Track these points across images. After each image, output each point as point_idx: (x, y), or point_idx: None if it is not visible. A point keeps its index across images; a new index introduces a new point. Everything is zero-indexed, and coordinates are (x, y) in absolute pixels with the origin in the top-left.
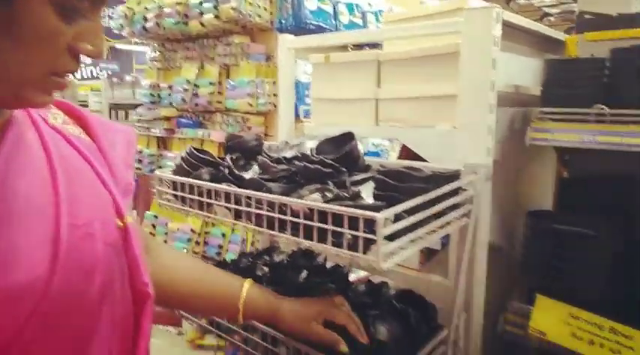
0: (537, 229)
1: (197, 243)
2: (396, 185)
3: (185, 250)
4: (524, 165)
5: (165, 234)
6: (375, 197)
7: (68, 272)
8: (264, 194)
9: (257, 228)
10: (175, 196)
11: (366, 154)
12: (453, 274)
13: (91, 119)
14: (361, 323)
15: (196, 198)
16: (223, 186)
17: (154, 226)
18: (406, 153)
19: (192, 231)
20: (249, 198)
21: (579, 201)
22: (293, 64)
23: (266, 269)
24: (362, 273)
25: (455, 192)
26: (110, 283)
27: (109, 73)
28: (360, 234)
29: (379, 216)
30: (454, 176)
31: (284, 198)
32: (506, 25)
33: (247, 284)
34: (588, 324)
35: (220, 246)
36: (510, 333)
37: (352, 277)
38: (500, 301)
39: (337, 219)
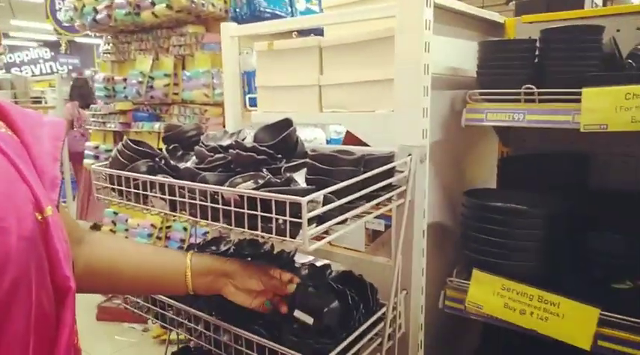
0: (472, 206)
1: (158, 238)
2: (327, 168)
3: None
4: (468, 146)
5: (126, 230)
6: (307, 182)
7: None
8: (196, 183)
9: (191, 218)
10: (113, 189)
11: (328, 142)
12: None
13: (15, 113)
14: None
15: (132, 190)
16: (158, 177)
17: (114, 223)
18: (350, 138)
19: (152, 226)
20: (182, 188)
21: (519, 179)
22: (236, 53)
23: None
24: (311, 257)
25: (388, 173)
26: (23, 278)
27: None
28: (287, 218)
29: (303, 199)
30: (387, 158)
31: (215, 186)
32: (442, 9)
33: (189, 255)
34: (519, 294)
35: (182, 240)
36: (450, 308)
37: (307, 261)
38: (443, 277)
39: (266, 205)
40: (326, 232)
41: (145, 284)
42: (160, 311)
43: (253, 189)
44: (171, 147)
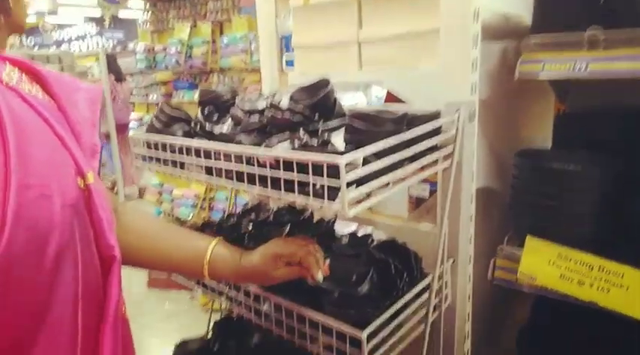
0: (524, 168)
1: (202, 208)
2: (366, 129)
3: (191, 216)
4: (521, 103)
5: (172, 200)
6: (346, 142)
7: (18, 233)
8: (231, 146)
9: (228, 181)
10: (151, 157)
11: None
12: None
13: (50, 77)
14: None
15: (168, 156)
16: (193, 141)
17: (160, 194)
18: (390, 100)
19: (195, 196)
20: (218, 152)
21: (577, 139)
22: (272, 11)
23: (250, 227)
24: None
25: (433, 133)
26: (69, 246)
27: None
28: (324, 180)
29: (341, 160)
30: (433, 116)
31: (249, 149)
32: None
33: (213, 243)
34: (577, 264)
35: (225, 211)
36: (500, 279)
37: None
38: (493, 246)
39: (303, 168)
40: (367, 196)
41: (163, 266)
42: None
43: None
44: (206, 112)
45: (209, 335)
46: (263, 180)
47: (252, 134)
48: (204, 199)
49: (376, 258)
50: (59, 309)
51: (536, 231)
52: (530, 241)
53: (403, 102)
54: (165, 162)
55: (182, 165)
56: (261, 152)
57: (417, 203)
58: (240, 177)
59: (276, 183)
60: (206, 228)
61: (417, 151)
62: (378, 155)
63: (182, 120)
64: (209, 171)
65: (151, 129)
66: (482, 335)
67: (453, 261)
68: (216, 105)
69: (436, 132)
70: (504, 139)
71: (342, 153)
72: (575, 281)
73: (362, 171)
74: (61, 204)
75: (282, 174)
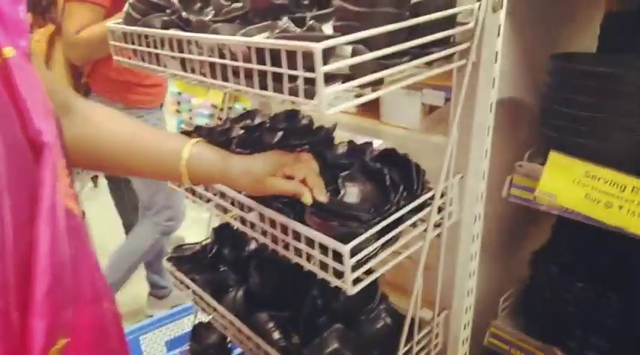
0: (558, 72)
1: (220, 118)
2: (358, 11)
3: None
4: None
5: (190, 110)
6: (335, 29)
7: None
8: (202, 36)
9: (200, 77)
10: (128, 49)
11: None
12: None
13: None
14: (331, 184)
15: (145, 48)
16: (164, 32)
17: (178, 103)
18: None
19: (212, 106)
20: (190, 43)
21: (628, 42)
22: None
23: (241, 131)
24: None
25: (447, 23)
26: None
27: None
28: (299, 72)
29: (317, 46)
30: (446, 3)
31: (219, 37)
32: None
33: (190, 144)
34: (607, 184)
35: None
36: (516, 197)
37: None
38: (511, 162)
39: (279, 59)
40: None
41: (136, 167)
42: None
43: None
44: None
45: (208, 241)
46: (237, 75)
47: (234, 22)
48: (221, 109)
49: (370, 167)
50: None
51: (563, 147)
52: (554, 157)
53: None
54: (142, 54)
55: (158, 58)
56: (232, 41)
57: (430, 112)
58: (213, 71)
59: (251, 79)
60: (197, 131)
61: (423, 43)
62: (371, 44)
63: (161, 8)
64: (184, 65)
65: (129, 19)
66: (491, 257)
67: (462, 177)
68: None
69: (450, 22)
70: (539, 39)
71: (319, 39)
72: (602, 203)
73: (344, 62)
74: None
75: (254, 67)
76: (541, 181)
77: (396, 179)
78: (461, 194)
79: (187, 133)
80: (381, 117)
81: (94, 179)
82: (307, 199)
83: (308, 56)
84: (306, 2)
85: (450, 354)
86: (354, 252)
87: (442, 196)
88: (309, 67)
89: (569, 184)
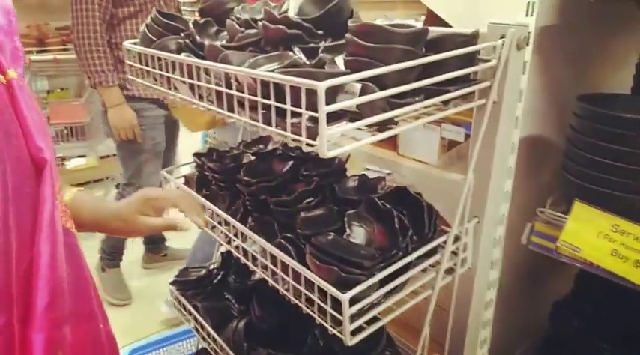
0: (586, 115)
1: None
2: (370, 47)
3: None
4: (597, 36)
5: None
6: (345, 64)
7: None
8: (210, 64)
9: (208, 104)
10: (143, 71)
11: None
12: None
13: None
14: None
15: (157, 71)
16: (174, 56)
17: None
18: (431, 19)
19: None
20: (199, 69)
21: None
22: None
23: (252, 158)
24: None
25: (466, 61)
26: None
27: None
28: (302, 110)
29: (321, 84)
30: (467, 39)
31: (228, 67)
32: None
33: (71, 191)
34: (636, 240)
35: None
36: (537, 246)
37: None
38: (532, 206)
39: (283, 92)
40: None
41: None
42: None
43: (270, 71)
44: (202, 22)
45: (214, 265)
46: (243, 106)
47: (246, 49)
48: None
49: (379, 207)
50: None
51: (588, 196)
52: (579, 207)
53: (449, 26)
54: (155, 76)
55: (169, 82)
56: (238, 71)
57: (450, 147)
58: (221, 100)
59: (256, 111)
60: (209, 155)
61: (440, 81)
62: (381, 83)
63: (178, 31)
64: (194, 91)
65: (145, 40)
66: (509, 306)
67: (478, 221)
68: (218, 15)
69: (470, 60)
70: (568, 79)
71: (325, 76)
72: (630, 261)
73: (348, 102)
74: None
75: (258, 99)
76: (564, 232)
77: (405, 221)
78: (476, 239)
79: (199, 156)
80: (399, 149)
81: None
82: (183, 227)
83: (311, 94)
84: (320, 32)
85: None
86: (354, 301)
87: (456, 241)
88: (314, 104)
89: (594, 238)
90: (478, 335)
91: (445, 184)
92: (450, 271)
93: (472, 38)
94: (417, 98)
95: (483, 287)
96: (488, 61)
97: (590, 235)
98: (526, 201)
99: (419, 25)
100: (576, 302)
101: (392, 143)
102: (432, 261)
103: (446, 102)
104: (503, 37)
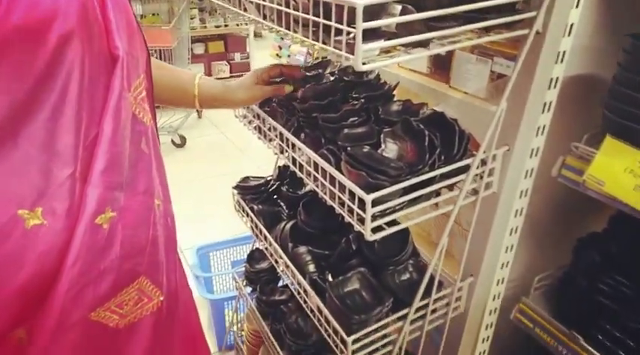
0: (633, 51)
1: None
2: None
3: None
4: None
5: (288, 56)
6: None
7: (16, 12)
8: None
9: (270, 23)
10: None
11: None
12: None
13: None
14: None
15: None
16: None
17: (280, 48)
18: None
19: (308, 53)
20: None
21: None
22: None
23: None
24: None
25: None
26: (74, 35)
27: None
28: (344, 26)
29: (359, 2)
30: None
31: None
32: None
33: (198, 75)
34: None
35: None
36: (566, 178)
37: None
38: (568, 143)
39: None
40: (389, 51)
41: (157, 97)
42: (259, 125)
43: None
44: None
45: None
46: (298, 25)
47: None
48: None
49: (412, 127)
50: (61, 91)
51: (623, 133)
52: (610, 142)
53: None
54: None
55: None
56: None
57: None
58: (280, 19)
59: (308, 29)
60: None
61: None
62: (420, 6)
63: None
64: (259, 10)
65: None
66: (536, 235)
67: (508, 149)
68: None
69: None
70: (630, 19)
71: None
72: None
73: (385, 21)
74: None
75: (309, 17)
76: (592, 166)
77: (436, 141)
78: (504, 166)
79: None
80: (451, 81)
81: (199, 111)
82: (287, 88)
83: (352, 12)
84: None
85: (471, 321)
86: (377, 202)
87: (483, 165)
88: (351, 22)
89: (620, 172)
90: (499, 258)
91: (484, 114)
92: (474, 193)
93: None
94: (454, 23)
95: (507, 213)
96: None
97: (616, 170)
98: (564, 136)
99: None
100: (602, 240)
101: (445, 76)
102: (456, 179)
103: (488, 30)
104: None
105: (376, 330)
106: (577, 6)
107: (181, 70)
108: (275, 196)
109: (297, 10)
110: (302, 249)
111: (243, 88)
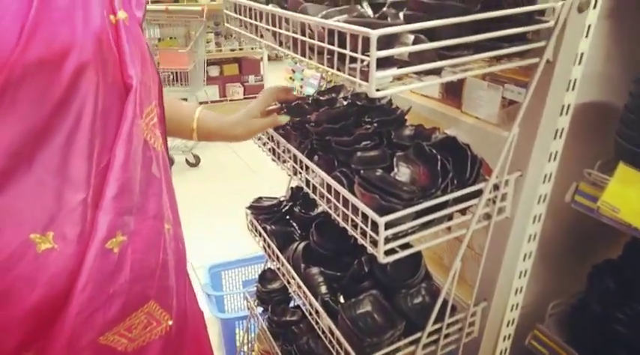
0: None
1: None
2: (425, 2)
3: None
4: None
5: (302, 79)
6: (404, 18)
7: (36, 45)
8: (288, 13)
9: (286, 50)
10: (235, 19)
11: None
12: None
13: None
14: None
15: (247, 19)
16: (258, 5)
17: (293, 71)
18: None
19: (322, 77)
20: (280, 18)
21: None
22: None
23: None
24: None
25: (522, 20)
26: (89, 67)
27: None
28: (358, 54)
29: (373, 32)
30: None
31: (302, 16)
32: None
33: (198, 108)
34: None
35: None
36: (579, 205)
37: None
38: (581, 170)
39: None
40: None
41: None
42: (274, 146)
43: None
44: None
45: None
46: (313, 52)
47: (324, 3)
48: (324, 79)
49: (425, 151)
50: (75, 118)
51: (638, 162)
52: (623, 169)
53: None
54: (246, 24)
55: (256, 30)
56: (310, 20)
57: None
58: (296, 46)
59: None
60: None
61: (491, 38)
62: (432, 35)
63: None
64: (276, 37)
65: None
66: (550, 261)
67: (520, 175)
68: None
69: (526, 19)
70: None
71: (376, 26)
72: None
73: (397, 50)
74: (82, 28)
75: (324, 45)
76: (605, 193)
77: (448, 165)
78: (517, 192)
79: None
80: (462, 106)
81: None
82: (283, 119)
83: (367, 41)
84: None
85: (485, 346)
86: (390, 225)
87: (495, 190)
88: (366, 51)
89: (635, 200)
90: (512, 283)
91: (496, 139)
92: (487, 217)
93: None
94: (466, 52)
95: (521, 238)
96: (546, 21)
97: (631, 197)
98: (576, 162)
99: None
100: (616, 267)
101: (457, 101)
102: (469, 203)
103: (499, 58)
104: None
105: (388, 354)
106: (587, 36)
107: (182, 103)
108: (288, 217)
109: (313, 39)
110: (314, 270)
111: (241, 125)
